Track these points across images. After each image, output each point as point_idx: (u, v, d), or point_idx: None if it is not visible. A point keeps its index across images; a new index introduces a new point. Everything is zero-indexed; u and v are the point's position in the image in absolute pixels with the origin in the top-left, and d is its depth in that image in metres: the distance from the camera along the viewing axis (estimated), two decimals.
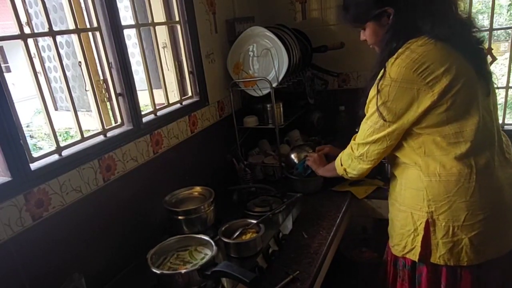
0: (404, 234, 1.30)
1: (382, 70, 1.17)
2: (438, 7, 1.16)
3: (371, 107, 1.24)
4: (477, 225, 1.17)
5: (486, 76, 1.21)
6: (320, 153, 1.78)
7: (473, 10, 2.07)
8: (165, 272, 1.18)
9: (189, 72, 1.86)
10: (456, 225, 1.18)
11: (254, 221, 1.45)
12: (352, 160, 1.36)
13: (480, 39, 1.23)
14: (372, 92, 1.21)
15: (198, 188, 1.60)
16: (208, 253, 1.24)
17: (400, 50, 1.15)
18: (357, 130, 2.34)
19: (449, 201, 1.18)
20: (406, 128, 1.19)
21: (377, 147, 1.26)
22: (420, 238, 1.24)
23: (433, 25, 1.14)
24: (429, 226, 1.21)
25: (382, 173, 2.05)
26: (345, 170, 1.41)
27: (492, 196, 1.18)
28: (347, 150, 1.39)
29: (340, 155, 1.46)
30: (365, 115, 1.30)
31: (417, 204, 1.24)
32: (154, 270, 1.15)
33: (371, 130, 1.25)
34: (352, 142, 1.36)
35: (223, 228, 1.42)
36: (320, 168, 1.71)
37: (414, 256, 1.27)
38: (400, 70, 1.13)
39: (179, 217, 1.46)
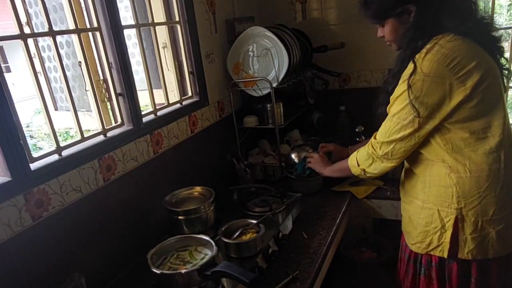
0: (429, 232, 1.29)
1: (412, 66, 1.15)
2: (459, 5, 1.17)
3: (397, 104, 1.21)
4: (505, 218, 1.20)
5: (505, 74, 1.24)
6: (321, 152, 1.75)
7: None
8: (165, 272, 1.17)
9: (189, 72, 1.86)
10: (485, 220, 1.20)
11: (254, 221, 1.45)
12: (373, 160, 1.32)
13: (498, 37, 1.23)
14: (401, 88, 1.19)
15: (198, 188, 1.60)
16: (208, 253, 1.24)
17: (428, 46, 1.15)
18: (357, 129, 2.34)
19: (479, 196, 1.19)
20: (436, 123, 1.17)
21: (403, 145, 1.23)
22: (449, 234, 1.24)
23: (457, 22, 1.15)
24: (458, 222, 1.22)
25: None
26: (363, 170, 1.36)
27: None
28: (367, 149, 1.33)
29: (354, 155, 1.40)
30: (383, 113, 1.29)
31: (445, 201, 1.24)
32: (154, 270, 1.15)
33: (398, 127, 1.21)
34: (373, 140, 1.31)
35: (223, 228, 1.42)
36: (325, 168, 1.66)
37: (442, 252, 1.27)
38: (432, 65, 1.12)
39: (179, 217, 1.46)
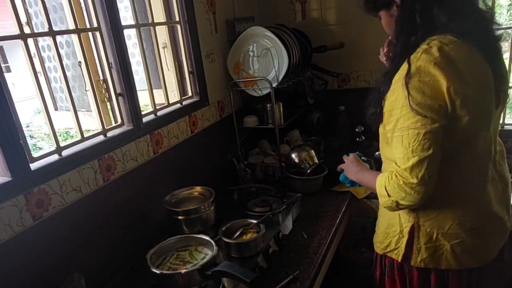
0: (389, 234, 1.29)
1: (407, 66, 1.05)
2: None
3: (405, 114, 1.06)
4: (461, 234, 1.16)
5: (500, 79, 1.11)
6: (352, 155, 1.46)
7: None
8: (164, 272, 1.17)
9: (189, 72, 1.86)
10: (440, 232, 1.17)
11: (254, 221, 1.45)
12: (406, 191, 1.08)
13: (498, 36, 1.13)
14: (400, 94, 1.06)
15: (198, 188, 1.60)
16: (208, 253, 1.24)
17: (424, 46, 1.06)
18: (357, 130, 2.35)
19: (436, 209, 1.16)
20: (444, 124, 1.05)
21: (436, 157, 1.06)
22: (405, 240, 1.24)
23: (452, 18, 1.06)
24: (414, 231, 1.21)
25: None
26: (397, 202, 1.11)
27: (480, 209, 1.17)
28: (395, 181, 1.09)
29: (382, 181, 1.15)
30: (373, 115, 1.20)
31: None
32: (154, 270, 1.15)
33: (420, 138, 1.04)
34: (397, 170, 1.09)
35: (223, 228, 1.42)
36: (353, 175, 1.40)
37: (397, 256, 1.27)
38: (428, 66, 1.03)
39: (179, 217, 1.46)
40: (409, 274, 1.29)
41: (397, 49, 1.13)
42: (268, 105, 2.04)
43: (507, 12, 5.47)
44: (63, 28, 1.69)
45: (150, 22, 1.64)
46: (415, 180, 1.05)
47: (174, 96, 1.85)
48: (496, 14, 1.99)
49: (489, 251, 1.21)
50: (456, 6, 1.06)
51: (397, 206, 1.12)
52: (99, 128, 1.42)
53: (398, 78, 1.07)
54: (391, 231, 1.28)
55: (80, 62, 1.42)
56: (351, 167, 1.40)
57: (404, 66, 1.07)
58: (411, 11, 1.09)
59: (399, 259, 1.26)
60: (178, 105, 1.79)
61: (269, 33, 1.96)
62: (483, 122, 1.11)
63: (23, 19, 1.42)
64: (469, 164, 1.13)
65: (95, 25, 1.39)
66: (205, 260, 1.18)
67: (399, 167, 1.08)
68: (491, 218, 1.19)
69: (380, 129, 1.26)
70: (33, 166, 1.15)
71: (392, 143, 1.12)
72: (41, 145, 5.72)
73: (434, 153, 1.04)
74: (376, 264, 1.42)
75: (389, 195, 1.12)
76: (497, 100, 1.13)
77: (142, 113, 1.56)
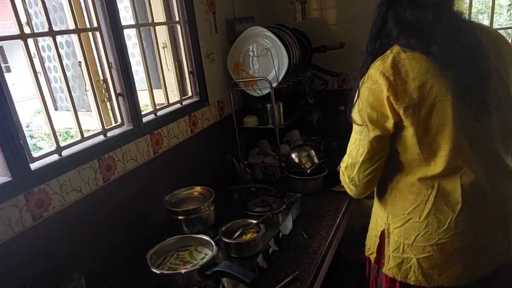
0: (370, 236, 1.31)
1: (366, 71, 1.10)
2: (426, 5, 1.01)
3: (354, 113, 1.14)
4: (428, 248, 1.12)
5: (479, 95, 1.02)
6: None
7: (473, 10, 2.07)
8: (164, 272, 1.18)
9: (189, 72, 1.86)
10: (407, 243, 1.15)
11: (254, 221, 1.45)
12: (343, 184, 1.30)
13: (475, 43, 1.03)
14: (357, 94, 1.13)
15: (198, 188, 1.60)
16: (208, 253, 1.24)
17: (387, 52, 1.06)
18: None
19: (404, 218, 1.15)
20: (381, 134, 1.09)
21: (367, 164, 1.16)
22: (376, 245, 1.25)
23: (400, 32, 1.04)
24: (384, 237, 1.21)
25: None
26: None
27: (456, 224, 1.09)
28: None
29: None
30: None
31: (380, 212, 1.24)
32: (154, 270, 1.15)
33: (356, 143, 1.16)
34: (341, 164, 1.26)
35: (223, 228, 1.42)
36: None
37: (373, 258, 1.29)
38: (376, 74, 1.05)
39: (179, 217, 1.46)
40: (383, 280, 1.27)
41: (365, 51, 1.15)
42: (268, 105, 2.04)
43: (507, 12, 5.47)
44: (63, 28, 1.68)
45: (150, 22, 1.64)
46: (346, 179, 1.22)
47: (174, 96, 1.85)
48: (496, 14, 1.99)
49: (469, 270, 1.12)
50: (415, 19, 1.03)
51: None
52: (99, 128, 1.42)
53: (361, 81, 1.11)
54: (371, 234, 1.30)
55: (80, 62, 1.42)
56: None
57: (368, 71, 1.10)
58: (379, 14, 1.10)
59: (372, 260, 1.29)
60: (178, 105, 1.79)
61: (269, 33, 1.96)
62: (441, 135, 1.04)
63: (23, 19, 1.42)
64: (436, 176, 1.08)
65: (95, 25, 1.39)
66: (205, 260, 1.18)
67: (342, 163, 1.24)
68: (476, 234, 1.10)
69: None
70: (33, 166, 1.15)
71: None
72: (41, 145, 5.72)
73: (366, 160, 1.13)
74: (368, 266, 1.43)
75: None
76: (479, 111, 1.03)
77: (142, 113, 1.57)
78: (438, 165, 1.07)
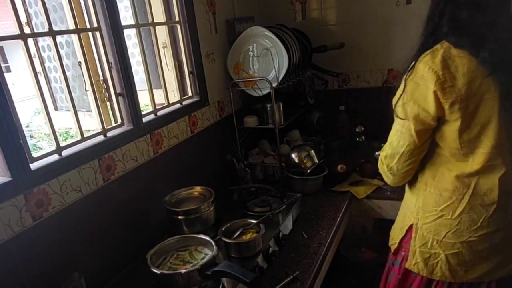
0: (395, 227, 1.34)
1: (413, 64, 1.09)
2: (484, 9, 1.00)
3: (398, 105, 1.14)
4: (458, 245, 1.14)
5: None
6: None
7: None
8: (165, 272, 1.17)
9: (189, 72, 1.86)
10: (436, 239, 1.17)
11: (254, 221, 1.45)
12: (381, 173, 1.34)
13: None
14: (401, 87, 1.13)
15: (198, 188, 1.60)
16: (208, 253, 1.24)
17: (437, 46, 1.06)
18: (357, 130, 2.35)
19: (436, 214, 1.16)
20: (422, 128, 1.10)
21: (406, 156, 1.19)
22: (400, 237, 1.27)
23: (453, 29, 1.04)
24: (412, 231, 1.22)
25: None
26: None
27: (488, 224, 1.11)
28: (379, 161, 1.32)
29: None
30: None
31: (410, 206, 1.25)
32: (154, 270, 1.15)
33: (397, 135, 1.17)
34: (381, 153, 1.30)
35: (223, 228, 1.42)
36: None
37: (392, 249, 1.32)
38: (424, 68, 1.05)
39: (179, 217, 1.46)
40: (396, 272, 1.30)
41: (417, 47, 1.13)
42: (268, 105, 2.04)
43: None
44: (63, 28, 1.68)
45: (150, 22, 1.64)
46: (385, 168, 1.25)
47: (174, 96, 1.85)
48: None
49: (495, 268, 1.14)
50: (471, 20, 1.02)
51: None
52: (99, 128, 1.42)
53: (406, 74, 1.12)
54: (397, 226, 1.33)
55: (80, 62, 1.42)
56: None
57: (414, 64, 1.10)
58: (436, 8, 1.08)
59: (392, 251, 1.31)
60: (178, 105, 1.79)
61: (269, 33, 1.96)
62: (484, 132, 1.07)
63: (23, 19, 1.42)
64: (473, 174, 1.10)
65: (95, 25, 1.39)
66: (205, 260, 1.18)
67: (382, 151, 1.26)
68: (503, 234, 1.12)
69: None
70: (33, 166, 1.15)
71: None
72: (41, 145, 5.72)
73: (406, 152, 1.15)
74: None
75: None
76: None
77: (142, 113, 1.56)
78: (476, 162, 1.09)
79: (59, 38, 1.79)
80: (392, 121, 1.21)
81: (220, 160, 2.06)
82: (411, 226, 1.22)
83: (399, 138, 1.16)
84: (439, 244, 1.16)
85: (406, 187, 1.31)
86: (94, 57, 1.55)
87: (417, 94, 1.08)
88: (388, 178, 1.28)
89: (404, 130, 1.14)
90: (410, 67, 1.10)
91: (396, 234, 1.31)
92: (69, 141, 1.32)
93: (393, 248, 1.31)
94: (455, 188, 1.13)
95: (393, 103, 1.16)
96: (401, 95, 1.12)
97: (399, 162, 1.19)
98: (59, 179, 1.21)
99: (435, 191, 1.17)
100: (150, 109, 1.64)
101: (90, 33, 1.52)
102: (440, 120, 1.09)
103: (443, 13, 1.06)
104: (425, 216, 1.19)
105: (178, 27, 1.78)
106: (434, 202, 1.17)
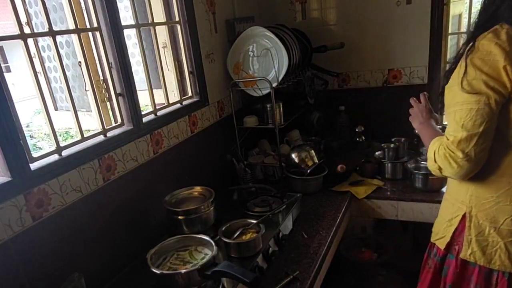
0: (439, 222, 1.30)
1: (471, 44, 1.07)
2: None
3: (456, 88, 1.08)
4: None
5: None
6: (424, 102, 1.39)
7: (473, 10, 2.07)
8: (165, 272, 1.17)
9: (189, 72, 1.86)
10: (493, 226, 1.14)
11: (254, 221, 1.45)
12: (452, 163, 1.13)
13: None
14: (461, 67, 1.08)
15: (198, 188, 1.60)
16: (208, 253, 1.24)
17: (496, 27, 1.05)
18: (357, 130, 2.34)
19: (492, 201, 1.14)
20: (499, 102, 1.05)
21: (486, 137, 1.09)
22: (452, 229, 1.22)
23: None
24: (465, 221, 1.19)
25: (382, 173, 2.06)
26: (440, 169, 1.17)
27: None
28: (442, 152, 1.13)
29: (433, 147, 1.17)
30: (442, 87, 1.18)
31: (459, 196, 1.21)
32: (154, 270, 1.15)
33: (472, 114, 1.06)
34: (446, 142, 1.13)
35: (223, 228, 1.42)
36: (419, 124, 1.36)
37: (441, 244, 1.26)
38: (490, 44, 1.03)
39: (179, 217, 1.46)
40: (447, 263, 1.26)
41: (473, 26, 1.11)
42: (268, 105, 2.04)
43: None
44: (63, 28, 1.69)
45: (150, 22, 1.64)
46: (460, 154, 1.08)
47: (174, 96, 1.85)
48: None
49: None
50: None
51: (440, 173, 1.17)
52: (99, 128, 1.42)
53: (463, 57, 1.08)
54: (442, 219, 1.29)
55: (80, 62, 1.42)
56: (419, 116, 1.37)
57: (471, 46, 1.07)
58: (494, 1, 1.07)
59: (442, 247, 1.26)
60: (178, 105, 1.79)
61: (269, 33, 1.96)
62: None
63: (23, 19, 1.42)
64: None
65: (95, 25, 1.39)
66: (205, 260, 1.18)
67: (448, 140, 1.11)
68: None
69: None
70: (33, 166, 1.15)
71: (447, 119, 1.13)
72: (41, 145, 5.72)
73: (485, 131, 1.05)
74: (427, 253, 1.40)
75: (435, 161, 1.16)
76: None
77: (142, 113, 1.56)
78: None
79: (59, 38, 1.79)
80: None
81: (220, 160, 2.06)
82: (463, 216, 1.19)
83: (474, 117, 1.06)
84: (497, 232, 1.14)
85: (449, 178, 1.25)
86: (94, 57, 1.56)
87: (487, 69, 1.04)
88: (462, 168, 1.10)
89: (480, 105, 1.05)
90: (468, 48, 1.07)
91: (442, 228, 1.27)
92: (69, 141, 1.32)
93: (440, 243, 1.27)
94: None
95: (453, 85, 1.10)
96: (464, 73, 1.07)
97: (478, 143, 1.07)
98: (59, 179, 1.21)
99: (492, 178, 1.13)
100: (150, 109, 1.64)
101: (90, 33, 1.52)
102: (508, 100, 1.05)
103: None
104: (480, 204, 1.16)
105: (178, 27, 1.78)
106: (490, 189, 1.14)
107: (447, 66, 1.15)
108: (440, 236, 1.27)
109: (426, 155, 1.22)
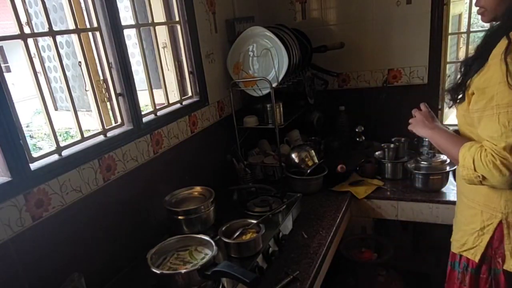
0: (466, 231, 1.22)
1: (506, 42, 1.00)
2: None
3: (503, 90, 1.01)
4: None
5: None
6: (424, 108, 1.35)
7: (473, 10, 2.07)
8: (165, 272, 1.17)
9: (189, 72, 1.86)
10: None
11: (254, 221, 1.45)
12: (504, 171, 1.03)
13: None
14: (497, 69, 1.01)
15: (198, 188, 1.60)
16: (208, 253, 1.24)
17: None
18: (357, 130, 2.34)
19: None
20: None
21: None
22: (486, 238, 1.15)
23: None
24: (503, 228, 1.13)
25: (382, 173, 2.06)
26: (482, 178, 1.06)
27: None
28: (490, 160, 1.03)
29: (469, 154, 1.08)
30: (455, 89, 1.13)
31: (491, 202, 1.14)
32: (154, 270, 1.15)
33: None
34: (494, 148, 1.03)
35: (223, 228, 1.42)
36: (432, 129, 1.27)
37: (473, 255, 1.19)
38: None
39: (179, 217, 1.46)
40: (494, 279, 1.18)
41: (500, 24, 1.07)
42: (268, 105, 2.04)
43: None
44: (63, 28, 1.69)
45: (150, 22, 1.64)
46: (509, 161, 1.00)
47: (174, 96, 1.85)
48: None
49: None
50: None
51: (480, 182, 1.07)
52: (99, 128, 1.42)
53: (496, 54, 1.02)
54: (468, 229, 1.21)
55: (80, 62, 1.42)
56: (425, 122, 1.30)
57: (502, 43, 1.01)
58: None
59: (476, 259, 1.18)
60: (178, 105, 1.79)
61: (269, 33, 1.96)
62: None
63: (23, 19, 1.42)
64: None
65: (95, 25, 1.39)
66: (205, 260, 1.18)
67: (495, 145, 1.02)
68: None
69: (460, 111, 1.18)
70: (33, 166, 1.15)
71: (481, 122, 1.06)
72: (41, 145, 5.73)
73: None
74: (450, 266, 1.33)
75: (475, 170, 1.06)
76: None
77: (142, 113, 1.56)
78: None
79: (59, 38, 1.79)
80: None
81: (220, 160, 2.06)
82: (499, 224, 1.13)
83: None
84: None
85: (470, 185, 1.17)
86: (94, 57, 1.56)
87: None
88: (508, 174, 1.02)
89: None
90: (506, 47, 1.01)
91: (471, 238, 1.19)
92: (69, 141, 1.32)
93: (471, 254, 1.19)
94: None
95: (488, 86, 1.04)
96: (506, 74, 0.99)
97: None
98: (59, 179, 1.21)
99: None
100: (150, 109, 1.64)
101: (90, 33, 1.52)
102: None
103: None
104: None
105: (178, 27, 1.78)
106: None
107: (450, 66, 1.10)
108: (470, 246, 1.20)
109: (456, 162, 1.12)
